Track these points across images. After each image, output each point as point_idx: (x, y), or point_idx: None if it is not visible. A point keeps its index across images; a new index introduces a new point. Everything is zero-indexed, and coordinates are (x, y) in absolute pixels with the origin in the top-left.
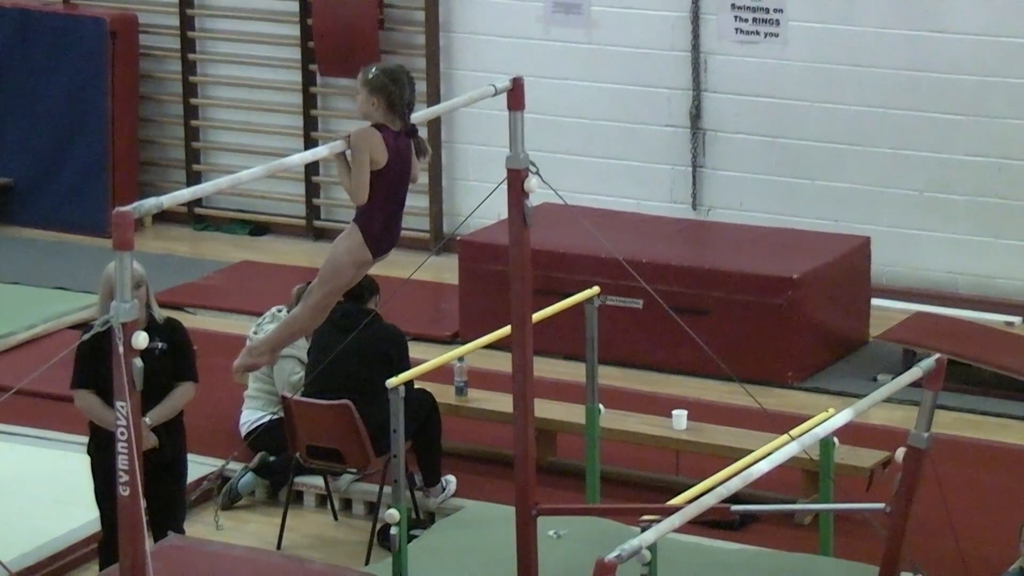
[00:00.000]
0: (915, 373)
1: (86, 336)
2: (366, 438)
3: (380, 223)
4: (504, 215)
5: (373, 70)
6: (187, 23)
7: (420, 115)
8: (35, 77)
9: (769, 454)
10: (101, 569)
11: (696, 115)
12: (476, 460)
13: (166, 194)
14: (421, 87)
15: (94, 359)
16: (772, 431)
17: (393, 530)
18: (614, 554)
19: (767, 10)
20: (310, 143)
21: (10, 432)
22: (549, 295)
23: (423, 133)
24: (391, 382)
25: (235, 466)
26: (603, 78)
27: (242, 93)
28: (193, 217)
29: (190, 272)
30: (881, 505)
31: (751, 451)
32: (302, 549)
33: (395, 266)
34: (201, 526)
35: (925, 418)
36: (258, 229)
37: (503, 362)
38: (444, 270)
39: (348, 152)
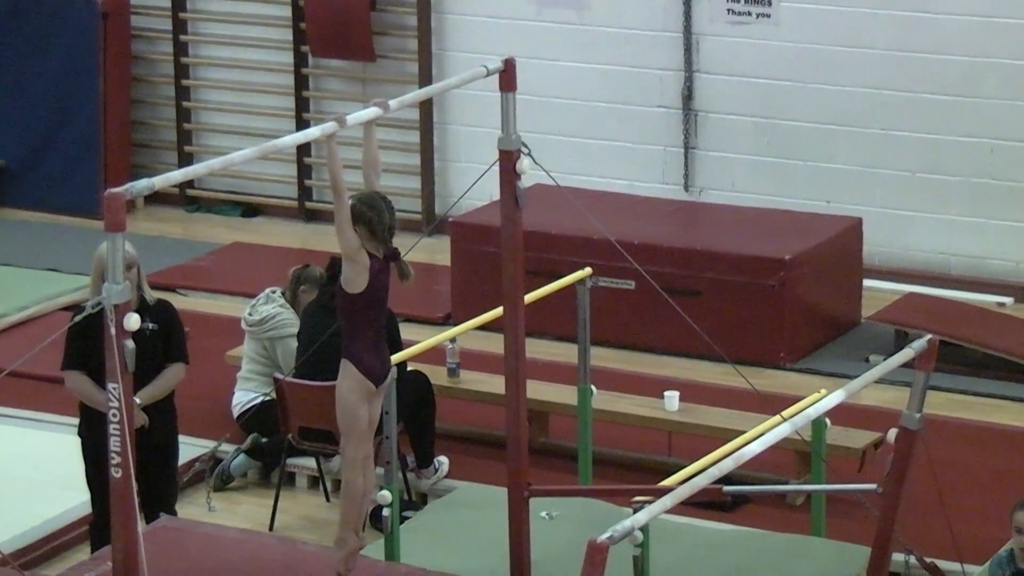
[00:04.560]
0: (907, 354)
1: (78, 318)
2: None
3: (367, 348)
4: (496, 196)
5: (349, 201)
6: (179, 4)
7: (412, 96)
8: (27, 58)
9: (761, 435)
10: (92, 551)
11: (688, 96)
12: (468, 441)
13: (158, 175)
14: (413, 68)
15: (85, 340)
16: (764, 412)
17: (385, 511)
18: (606, 535)
19: None
20: (302, 124)
21: (1, 414)
22: (541, 276)
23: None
24: None
25: (227, 447)
26: (595, 59)
27: (234, 74)
28: (185, 199)
29: (182, 254)
30: (873, 486)
31: (743, 432)
32: (294, 531)
33: None
34: (193, 508)
35: (917, 399)
36: (250, 210)
37: (495, 343)
38: (436, 251)
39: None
